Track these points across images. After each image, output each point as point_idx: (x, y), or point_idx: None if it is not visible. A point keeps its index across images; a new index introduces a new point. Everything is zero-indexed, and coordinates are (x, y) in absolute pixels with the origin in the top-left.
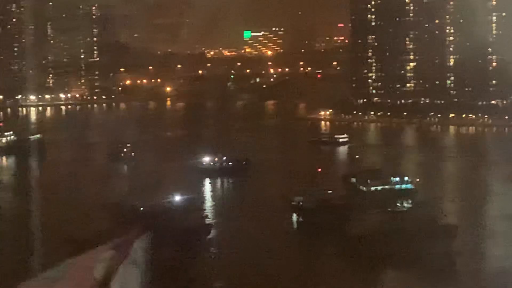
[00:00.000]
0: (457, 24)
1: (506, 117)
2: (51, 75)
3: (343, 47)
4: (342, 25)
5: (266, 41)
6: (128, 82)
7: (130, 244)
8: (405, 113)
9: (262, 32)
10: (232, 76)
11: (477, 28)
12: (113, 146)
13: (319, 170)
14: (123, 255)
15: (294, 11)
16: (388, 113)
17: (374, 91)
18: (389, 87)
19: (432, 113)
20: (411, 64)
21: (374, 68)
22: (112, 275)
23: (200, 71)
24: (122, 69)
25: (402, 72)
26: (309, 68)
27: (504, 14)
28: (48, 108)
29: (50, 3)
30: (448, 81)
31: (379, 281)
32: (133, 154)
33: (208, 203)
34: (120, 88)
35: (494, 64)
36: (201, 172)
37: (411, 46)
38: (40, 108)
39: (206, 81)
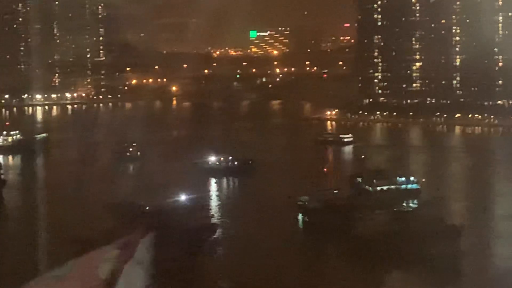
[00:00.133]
0: (464, 24)
1: None
2: (57, 75)
3: (349, 47)
4: (348, 25)
5: (272, 41)
6: (134, 81)
7: (135, 243)
8: (411, 113)
9: (268, 32)
10: (238, 76)
11: (484, 28)
12: (118, 146)
13: (325, 170)
14: (128, 255)
15: (300, 11)
16: (394, 113)
17: (380, 91)
18: (395, 87)
19: (438, 113)
20: (417, 64)
21: (380, 68)
22: (117, 274)
23: (206, 71)
24: (128, 69)
25: (408, 72)
26: (315, 68)
27: (510, 14)
28: (54, 107)
29: (57, 3)
30: (454, 81)
31: (385, 281)
32: (138, 153)
33: (214, 202)
34: (126, 88)
35: (500, 64)
36: (207, 172)
37: (417, 46)
38: (46, 107)
39: (212, 81)
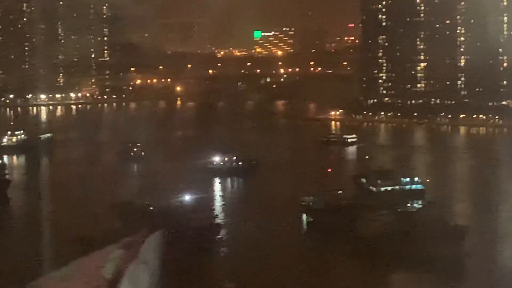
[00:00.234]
0: (468, 25)
1: None
2: (61, 75)
3: (353, 47)
4: (352, 25)
5: (276, 41)
6: (138, 81)
7: (139, 243)
8: (415, 114)
9: (273, 32)
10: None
11: (488, 28)
12: (123, 146)
13: (329, 170)
14: (133, 255)
15: (304, 12)
16: (399, 114)
17: (384, 92)
18: (400, 88)
19: (443, 114)
20: (422, 64)
21: (384, 68)
22: (121, 274)
23: (210, 71)
24: (132, 69)
25: (413, 72)
26: (320, 68)
27: None
28: (59, 107)
29: (61, 3)
30: (459, 82)
31: (389, 282)
32: (143, 153)
33: (218, 203)
34: (130, 88)
35: (505, 64)
36: (211, 172)
37: (421, 47)
38: (51, 107)
39: (217, 81)
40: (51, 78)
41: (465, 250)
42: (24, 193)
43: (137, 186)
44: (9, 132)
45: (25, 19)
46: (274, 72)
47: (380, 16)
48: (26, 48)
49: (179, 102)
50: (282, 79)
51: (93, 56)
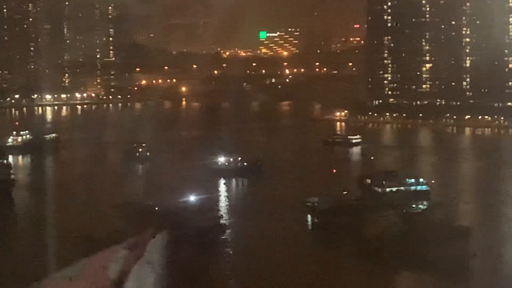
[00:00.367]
0: (474, 26)
1: None
2: (67, 75)
3: (359, 48)
4: (358, 26)
5: (281, 41)
6: (143, 82)
7: (144, 243)
8: (420, 115)
9: (278, 33)
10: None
11: (494, 29)
12: (128, 146)
13: (334, 171)
14: (138, 255)
15: (310, 12)
16: (404, 114)
17: (389, 92)
18: (405, 88)
19: (448, 115)
20: (427, 65)
21: (389, 69)
22: (126, 274)
23: (215, 71)
24: (137, 69)
25: (418, 73)
26: (325, 69)
27: None
28: (64, 107)
29: (67, 3)
30: (464, 83)
31: (394, 282)
32: (148, 153)
33: (223, 203)
34: (135, 88)
35: (510, 65)
36: (216, 172)
37: (427, 47)
38: (56, 107)
39: (222, 81)
40: (56, 78)
41: (470, 250)
42: (29, 193)
43: (142, 186)
44: (14, 132)
45: (30, 19)
46: (279, 72)
47: (385, 17)
48: (31, 48)
49: (184, 102)
50: (287, 80)
51: (98, 56)
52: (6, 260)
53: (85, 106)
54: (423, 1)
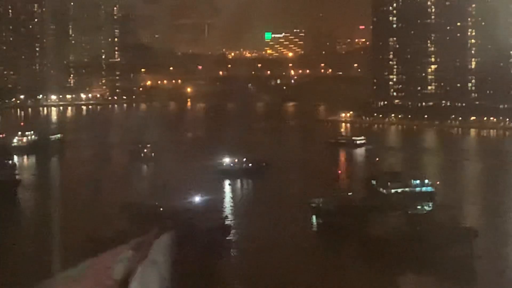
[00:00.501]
0: (479, 27)
1: None
2: (72, 75)
3: (364, 49)
4: (363, 27)
5: (287, 42)
6: (148, 82)
7: (149, 244)
8: (425, 116)
9: (283, 34)
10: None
11: (499, 31)
12: (133, 147)
13: (339, 172)
14: (143, 255)
15: (315, 13)
16: (409, 116)
17: (395, 94)
18: (410, 90)
19: (453, 116)
20: (432, 66)
21: (395, 70)
22: (131, 275)
23: (221, 72)
24: (143, 70)
25: (423, 74)
26: (330, 70)
27: None
28: (69, 108)
29: (72, 3)
30: (469, 84)
31: (399, 283)
32: (153, 154)
33: (228, 204)
34: (140, 89)
35: None
36: (221, 173)
37: (432, 49)
38: (61, 108)
39: (227, 82)
40: (61, 79)
41: (475, 252)
42: (33, 193)
43: (147, 187)
44: (19, 133)
45: (36, 19)
46: (284, 73)
47: (391, 18)
48: (36, 49)
49: (189, 103)
50: (292, 81)
51: (103, 56)
52: (9, 260)
53: (90, 106)
54: (429, 2)
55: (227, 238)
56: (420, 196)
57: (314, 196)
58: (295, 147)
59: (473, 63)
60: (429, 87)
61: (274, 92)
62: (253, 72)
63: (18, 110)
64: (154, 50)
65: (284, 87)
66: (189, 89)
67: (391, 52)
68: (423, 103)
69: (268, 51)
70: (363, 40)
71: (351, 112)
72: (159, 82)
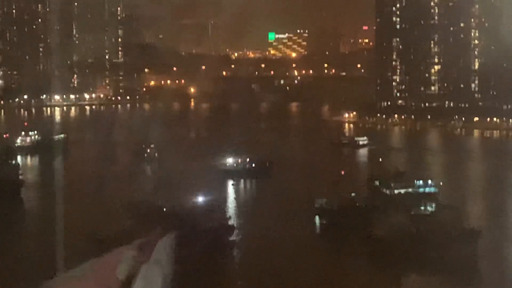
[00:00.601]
0: (482, 28)
1: None
2: (75, 75)
3: (367, 49)
4: (366, 27)
5: (290, 43)
6: (152, 82)
7: (153, 244)
8: (429, 116)
9: (287, 34)
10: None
11: (502, 31)
12: (136, 147)
13: (343, 172)
14: (146, 256)
15: (318, 14)
16: (412, 116)
17: (398, 94)
18: (414, 90)
19: (456, 117)
20: (436, 67)
21: (398, 71)
22: (134, 275)
23: (224, 72)
24: (146, 70)
25: (427, 75)
26: (333, 70)
27: None
28: (73, 108)
29: (76, 3)
30: (473, 85)
31: (403, 283)
32: (156, 154)
33: (231, 204)
34: (144, 89)
35: None
36: (225, 173)
37: (435, 49)
38: (65, 108)
39: (230, 82)
40: (65, 79)
41: (478, 252)
42: (37, 193)
43: (151, 187)
44: (23, 133)
45: (39, 19)
46: (288, 74)
47: (394, 18)
48: (40, 49)
49: (193, 103)
50: (296, 81)
51: (107, 56)
52: (12, 260)
53: (93, 106)
54: (432, 3)
55: (231, 238)
56: (423, 196)
57: (317, 196)
58: (298, 147)
59: (477, 64)
60: (433, 88)
61: (278, 92)
62: (256, 72)
63: (22, 110)
64: (157, 50)
65: (288, 87)
66: (192, 89)
67: (395, 53)
68: (427, 104)
69: (272, 52)
70: (367, 40)
71: (354, 113)
72: (162, 82)
